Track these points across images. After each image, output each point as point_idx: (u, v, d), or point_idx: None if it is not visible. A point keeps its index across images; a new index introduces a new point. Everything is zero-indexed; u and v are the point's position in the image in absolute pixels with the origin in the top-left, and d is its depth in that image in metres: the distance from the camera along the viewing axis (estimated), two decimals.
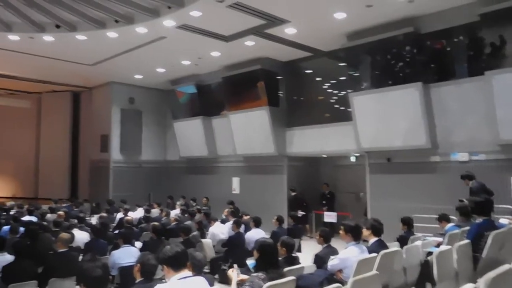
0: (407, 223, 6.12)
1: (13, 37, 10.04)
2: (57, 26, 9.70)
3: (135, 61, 11.95)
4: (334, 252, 4.65)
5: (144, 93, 15.25)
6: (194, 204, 11.96)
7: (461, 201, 6.26)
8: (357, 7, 8.16)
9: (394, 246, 4.86)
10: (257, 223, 7.14)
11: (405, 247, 4.68)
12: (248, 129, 11.98)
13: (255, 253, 3.55)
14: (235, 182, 13.16)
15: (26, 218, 8.81)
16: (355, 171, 11.27)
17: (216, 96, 13.32)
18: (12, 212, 9.75)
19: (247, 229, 7.34)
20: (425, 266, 4.36)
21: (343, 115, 10.53)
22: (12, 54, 11.37)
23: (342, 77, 10.63)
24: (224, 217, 9.22)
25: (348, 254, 4.20)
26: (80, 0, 8.67)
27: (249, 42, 10.19)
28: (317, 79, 12.08)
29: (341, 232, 4.52)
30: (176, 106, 14.59)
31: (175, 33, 9.57)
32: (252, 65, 11.58)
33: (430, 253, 4.40)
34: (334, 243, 5.00)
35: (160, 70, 13.03)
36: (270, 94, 11.58)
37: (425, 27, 8.69)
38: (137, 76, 13.87)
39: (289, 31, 9.47)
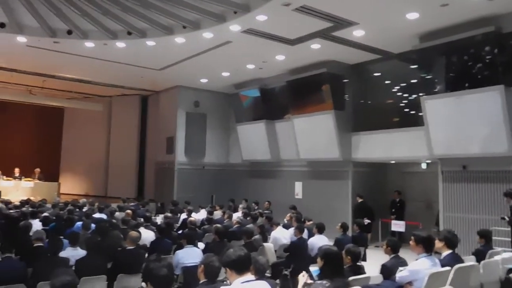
0: (485, 236, 5.76)
1: (89, 44, 10.81)
2: (129, 33, 10.35)
3: (201, 65, 12.41)
4: (403, 263, 4.52)
5: (209, 96, 15.77)
6: (256, 207, 12.12)
7: (502, 218, 5.86)
8: (431, 7, 7.88)
9: (470, 260, 4.61)
10: (320, 229, 7.09)
11: (482, 262, 4.43)
12: (312, 133, 11.95)
13: (319, 261, 3.53)
14: (298, 186, 13.16)
15: (97, 215, 9.34)
16: (426, 179, 10.84)
17: (280, 99, 13.44)
18: (84, 209, 10.43)
19: (310, 235, 7.31)
20: (506, 284, 4.10)
21: (414, 120, 10.17)
22: (87, 60, 12.24)
23: (413, 80, 10.28)
24: (286, 221, 9.25)
25: (418, 266, 4.06)
26: (151, 7, 9.16)
27: (315, 45, 10.18)
28: (386, 82, 11.77)
29: (411, 242, 4.37)
30: (239, 110, 14.92)
31: (240, 37, 9.82)
32: (317, 68, 11.54)
33: (511, 270, 4.13)
34: (402, 253, 4.85)
35: (225, 74, 13.41)
36: (335, 97, 11.47)
37: (508, 26, 8.15)
38: (202, 80, 14.39)
39: (357, 33, 9.35)
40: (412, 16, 8.31)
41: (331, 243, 5.80)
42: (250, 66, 12.41)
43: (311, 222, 8.36)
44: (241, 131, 14.75)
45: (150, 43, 10.57)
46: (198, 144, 15.56)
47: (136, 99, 17.89)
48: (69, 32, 10.31)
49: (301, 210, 10.57)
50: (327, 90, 11.47)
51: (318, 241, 6.47)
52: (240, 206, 12.63)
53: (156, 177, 16.52)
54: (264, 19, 8.75)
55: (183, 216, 10.08)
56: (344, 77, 11.84)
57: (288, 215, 9.63)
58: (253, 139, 14.24)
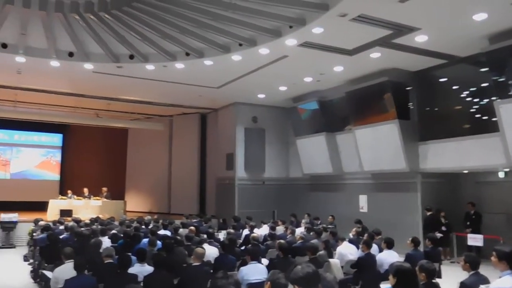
0: None
1: (150, 66, 11.40)
2: (187, 54, 10.84)
3: (258, 81, 12.69)
4: (484, 280, 4.29)
5: (267, 111, 16.01)
6: (318, 222, 12.02)
7: None
8: (501, 6, 7.54)
9: None
10: (390, 244, 6.88)
11: None
12: (375, 144, 11.73)
13: (391, 278, 3.46)
14: (363, 200, 12.91)
15: (162, 232, 9.64)
16: (505, 189, 10.19)
17: (340, 111, 13.35)
18: (150, 226, 10.86)
19: (379, 250, 7.14)
20: None
21: (486, 126, 9.71)
22: (149, 82, 12.92)
23: (484, 84, 9.81)
24: (351, 236, 9.10)
25: (502, 285, 3.85)
26: (207, 27, 9.54)
27: (375, 54, 10.08)
28: (453, 87, 11.31)
29: (493, 258, 4.12)
30: (298, 123, 14.98)
31: (297, 51, 9.94)
32: (378, 77, 11.37)
33: None
34: (481, 270, 4.60)
35: (282, 88, 13.57)
36: (399, 106, 11.20)
37: None
38: (259, 96, 14.66)
39: (419, 38, 9.13)
40: (480, 17, 7.98)
41: (402, 259, 5.62)
42: (308, 79, 12.48)
43: (379, 237, 8.16)
44: (301, 144, 14.78)
45: (208, 62, 10.96)
46: (258, 160, 15.78)
47: (196, 117, 18.55)
48: (131, 57, 11.01)
49: (366, 224, 10.35)
50: (390, 99, 11.24)
51: (388, 257, 6.30)
52: (303, 221, 12.57)
53: (217, 193, 16.91)
54: (320, 31, 8.81)
55: (246, 232, 10.17)
56: (407, 85, 11.54)
57: (354, 229, 9.46)
58: (313, 153, 14.21)
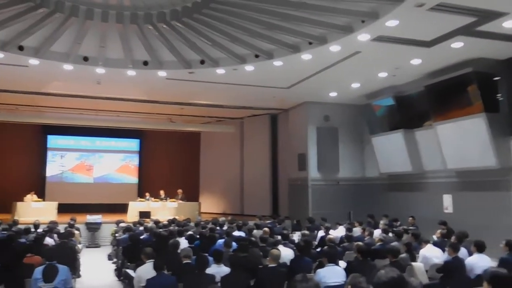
0: None
1: (220, 70, 11.74)
2: (256, 56, 11.01)
3: (329, 79, 12.57)
4: None
5: (339, 110, 15.80)
6: (397, 224, 11.65)
7: None
8: None
9: None
10: (480, 247, 6.50)
11: None
12: (460, 140, 11.14)
13: (486, 285, 3.28)
14: (447, 199, 12.31)
15: (236, 233, 9.85)
16: None
17: (418, 106, 12.82)
18: (224, 228, 11.21)
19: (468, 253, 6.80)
20: None
21: None
22: (219, 85, 13.29)
23: None
24: (436, 238, 8.74)
25: None
26: (276, 28, 9.65)
27: (457, 43, 9.56)
28: None
29: None
30: (372, 121, 14.63)
31: (370, 46, 9.72)
32: (460, 68, 10.75)
33: None
34: None
35: (355, 85, 13.33)
36: (486, 98, 10.50)
37: None
38: (331, 94, 14.52)
39: (508, 24, 8.50)
40: None
41: (494, 264, 5.33)
42: (382, 74, 12.15)
43: (467, 240, 7.75)
44: (377, 142, 14.42)
45: (277, 63, 11.05)
46: (331, 159, 15.63)
47: (266, 118, 18.78)
48: (202, 62, 11.40)
49: (452, 226, 9.86)
50: (475, 91, 10.59)
51: (479, 261, 5.99)
52: (381, 222, 12.25)
53: (290, 194, 17.00)
54: (395, 24, 8.54)
55: (321, 233, 10.11)
56: (495, 75, 10.76)
57: (438, 231, 9.07)
58: (390, 151, 13.79)
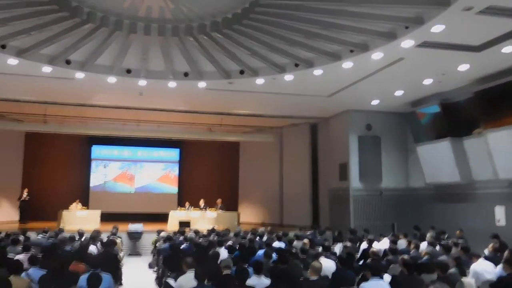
0: None
1: (259, 80, 11.77)
2: (296, 65, 11.00)
3: (371, 87, 12.36)
4: None
5: (382, 118, 15.49)
6: (445, 237, 11.20)
7: None
8: None
9: None
10: None
11: None
12: None
13: None
14: (499, 211, 11.75)
15: (276, 244, 9.77)
16: None
17: (466, 113, 12.35)
18: (264, 238, 11.14)
19: None
20: None
21: None
22: (259, 95, 13.38)
23: None
24: (487, 253, 8.33)
25: None
26: (315, 37, 9.60)
27: (508, 47, 9.17)
28: None
29: None
30: (417, 129, 14.23)
31: (414, 52, 9.49)
32: None
33: None
34: None
35: (398, 92, 13.03)
36: None
37: None
38: (373, 102, 14.25)
39: None
40: None
41: None
42: (427, 81, 11.79)
43: None
44: (422, 151, 13.98)
45: (317, 71, 10.99)
46: (373, 169, 15.31)
47: (306, 127, 18.65)
48: (241, 72, 11.51)
49: (506, 239, 9.38)
50: None
51: None
52: (428, 234, 11.79)
53: (331, 204, 16.75)
54: (441, 29, 8.30)
55: (364, 245, 9.86)
56: None
57: (490, 245, 8.64)
58: (437, 160, 13.34)
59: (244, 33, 9.96)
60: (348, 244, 10.13)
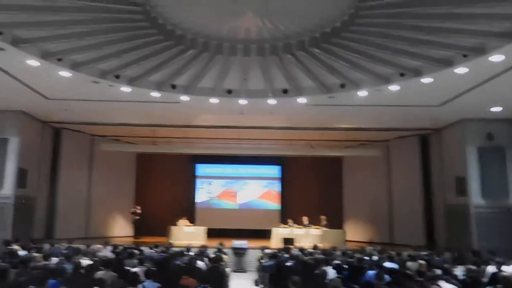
0: None
1: (362, 93, 11.53)
2: (402, 75, 10.61)
3: (491, 92, 11.37)
4: None
5: (505, 126, 14.16)
6: None
7: None
8: None
9: None
10: None
11: None
12: None
13: None
14: None
15: (388, 264, 9.36)
16: None
17: None
18: (373, 258, 10.71)
19: None
20: None
21: None
22: (361, 108, 13.17)
23: None
24: None
25: None
26: (421, 43, 9.21)
27: None
28: None
29: None
30: None
31: None
32: None
33: None
34: None
35: None
36: None
37: None
38: (494, 109, 13.09)
39: None
40: None
41: None
42: None
43: None
44: None
45: (426, 80, 10.48)
46: (498, 183, 13.99)
47: (415, 139, 17.69)
48: (342, 86, 11.41)
49: None
50: None
51: None
52: None
53: (447, 222, 15.64)
54: None
55: (491, 268, 9.02)
56: None
57: None
58: None
59: (344, 46, 9.90)
60: (472, 267, 9.40)
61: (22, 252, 10.03)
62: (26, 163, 14.85)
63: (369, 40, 9.52)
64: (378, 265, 8.92)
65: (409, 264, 9.70)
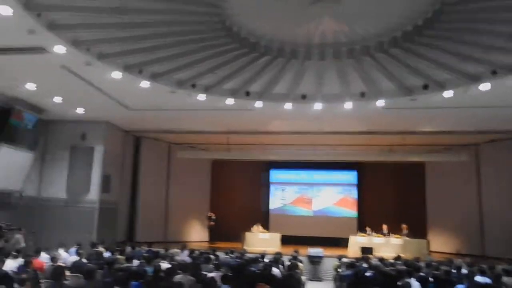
0: None
1: (447, 93, 10.88)
2: (494, 72, 9.87)
3: None
4: None
5: None
6: None
7: None
8: None
9: None
10: None
11: None
12: None
13: None
14: None
15: (479, 278, 8.79)
16: None
17: None
18: (463, 271, 10.01)
19: None
20: None
21: None
22: (446, 110, 12.47)
23: None
24: None
25: None
26: None
27: None
28: None
29: None
30: None
31: None
32: None
33: None
34: None
35: None
36: None
37: None
38: None
39: None
40: None
41: None
42: None
43: None
44: None
45: None
46: None
47: (510, 143, 16.36)
48: (425, 87, 10.84)
49: None
50: None
51: None
52: None
53: None
54: None
55: None
56: None
57: None
58: None
59: (427, 45, 9.47)
60: None
61: (106, 254, 10.59)
62: (110, 169, 15.78)
63: (456, 37, 8.99)
64: (468, 279, 8.40)
65: (505, 279, 8.95)
